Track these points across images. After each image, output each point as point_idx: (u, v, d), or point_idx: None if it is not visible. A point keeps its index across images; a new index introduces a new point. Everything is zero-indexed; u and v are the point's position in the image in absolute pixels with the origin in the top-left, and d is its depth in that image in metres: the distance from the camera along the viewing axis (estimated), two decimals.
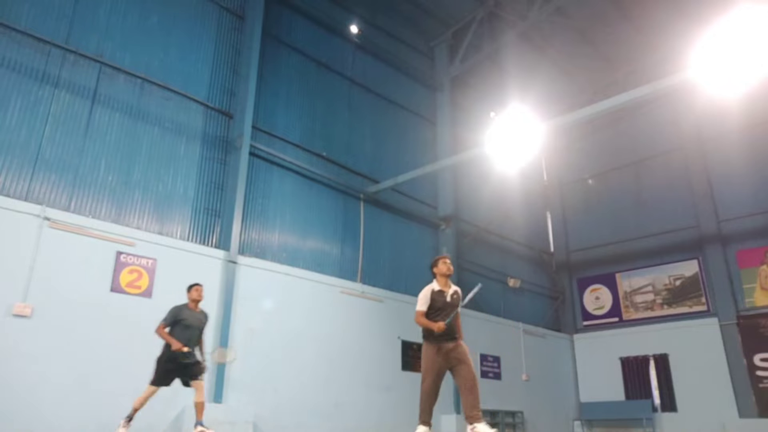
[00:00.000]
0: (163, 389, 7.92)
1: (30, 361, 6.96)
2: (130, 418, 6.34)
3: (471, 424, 5.31)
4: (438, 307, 5.58)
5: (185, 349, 6.36)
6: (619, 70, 16.55)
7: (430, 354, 5.50)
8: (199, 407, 6.49)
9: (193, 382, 6.50)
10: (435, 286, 5.70)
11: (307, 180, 11.31)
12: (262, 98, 10.89)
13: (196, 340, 6.69)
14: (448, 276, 5.73)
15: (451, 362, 5.44)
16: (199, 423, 6.42)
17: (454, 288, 5.75)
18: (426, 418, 5.51)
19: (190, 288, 6.88)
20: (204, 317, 6.87)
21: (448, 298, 5.62)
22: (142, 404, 6.35)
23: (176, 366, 6.42)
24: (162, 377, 6.43)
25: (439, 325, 5.33)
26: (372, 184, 12.45)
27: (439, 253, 13.81)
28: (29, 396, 6.84)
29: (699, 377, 14.31)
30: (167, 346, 6.43)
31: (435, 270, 5.78)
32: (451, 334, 5.49)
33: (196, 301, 6.82)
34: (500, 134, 10.75)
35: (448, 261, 5.83)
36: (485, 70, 16.12)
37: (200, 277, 8.79)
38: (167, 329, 6.52)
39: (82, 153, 8.32)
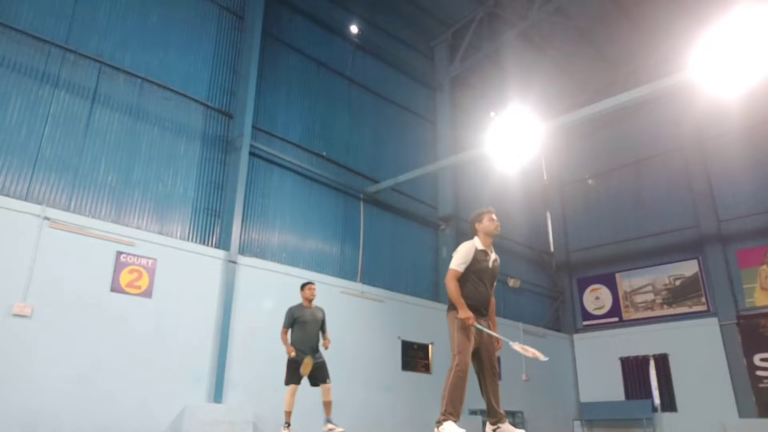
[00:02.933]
0: (163, 389, 7.98)
1: (30, 361, 6.96)
2: (288, 424, 6.90)
3: (495, 425, 4.53)
4: (478, 270, 4.59)
5: (292, 354, 6.91)
6: (619, 70, 16.56)
7: (465, 326, 4.45)
8: (327, 405, 6.96)
9: (321, 385, 6.97)
10: (478, 244, 4.68)
11: (307, 180, 11.31)
12: (262, 98, 10.90)
13: (315, 338, 7.12)
14: (493, 236, 4.73)
15: (479, 342, 4.54)
16: (327, 420, 6.91)
17: (495, 255, 4.78)
18: (457, 411, 4.35)
19: (303, 286, 7.42)
20: (320, 312, 7.35)
21: (490, 264, 4.67)
22: (290, 406, 6.91)
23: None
24: (292, 376, 6.93)
25: (467, 316, 4.36)
26: (372, 184, 12.45)
27: (438, 252, 13.82)
28: (29, 396, 6.84)
29: (699, 377, 14.31)
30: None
31: (478, 226, 4.74)
32: (486, 306, 4.62)
33: (310, 300, 7.33)
34: (500, 134, 10.75)
35: (495, 217, 4.74)
36: (485, 70, 16.13)
37: (200, 277, 8.88)
38: (288, 332, 7.13)
39: (82, 153, 8.32)
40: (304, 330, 7.12)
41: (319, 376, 7.01)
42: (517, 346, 4.51)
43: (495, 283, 4.80)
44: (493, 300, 4.79)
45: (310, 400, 7.49)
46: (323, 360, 7.12)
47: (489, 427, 4.62)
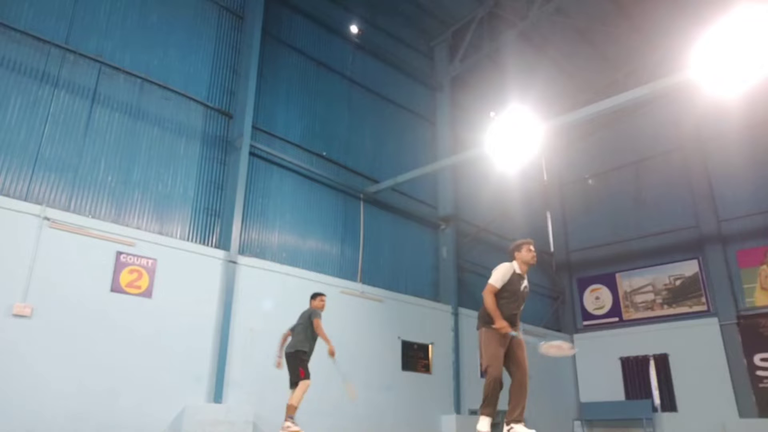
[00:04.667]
0: (163, 389, 7.99)
1: (30, 361, 6.96)
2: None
3: (508, 424, 5.01)
4: (512, 291, 5.17)
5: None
6: (619, 70, 16.54)
7: (495, 338, 5.05)
8: (289, 408, 6.94)
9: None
10: (516, 268, 5.27)
11: (307, 180, 11.31)
12: (262, 98, 10.89)
13: (297, 336, 7.25)
14: (530, 266, 5.32)
15: (509, 351, 5.12)
16: (289, 417, 6.89)
17: (527, 282, 5.38)
18: (492, 410, 5.04)
19: (315, 296, 7.74)
20: (307, 315, 7.45)
21: (521, 288, 5.25)
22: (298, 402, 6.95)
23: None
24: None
25: (502, 326, 4.95)
26: (372, 184, 12.44)
27: (438, 252, 13.82)
28: (29, 396, 6.84)
29: (699, 377, 14.31)
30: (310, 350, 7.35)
31: (517, 255, 5.35)
32: (513, 322, 5.16)
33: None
34: (500, 134, 10.74)
35: (533, 249, 5.35)
36: (485, 70, 16.12)
37: (200, 277, 8.88)
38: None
39: (82, 153, 8.32)
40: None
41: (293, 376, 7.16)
42: (543, 348, 5.08)
43: (523, 306, 5.37)
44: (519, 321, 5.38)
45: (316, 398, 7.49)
46: (293, 358, 7.15)
47: (504, 427, 5.06)
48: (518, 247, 5.38)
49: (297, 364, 7.07)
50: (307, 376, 7.06)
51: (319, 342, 7.30)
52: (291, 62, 11.81)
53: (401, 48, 14.66)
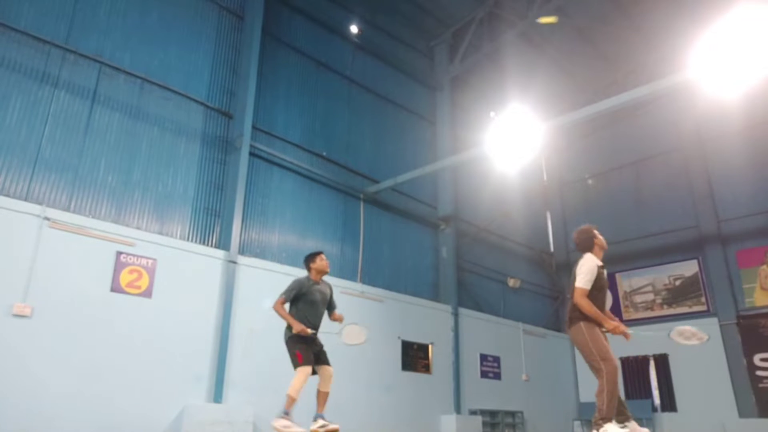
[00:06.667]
0: (163, 389, 7.98)
1: (29, 361, 6.95)
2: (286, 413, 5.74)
3: (622, 423, 4.66)
4: (600, 287, 4.65)
5: (309, 332, 5.67)
6: (619, 70, 16.55)
7: (599, 331, 4.64)
8: (323, 397, 5.82)
9: (320, 368, 5.81)
10: (597, 261, 4.71)
11: (307, 180, 11.31)
12: (262, 98, 10.89)
13: (321, 318, 6.00)
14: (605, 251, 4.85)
15: None
16: (319, 416, 5.77)
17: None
18: (612, 413, 4.50)
19: (314, 257, 6.18)
20: (329, 289, 6.18)
21: (605, 274, 4.79)
22: (299, 392, 5.61)
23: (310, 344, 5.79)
24: (308, 354, 5.73)
25: (615, 325, 4.54)
26: (372, 184, 12.45)
27: (438, 252, 13.82)
28: (29, 396, 6.83)
29: (699, 377, 14.30)
30: (289, 326, 5.76)
31: (596, 242, 4.81)
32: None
33: (322, 273, 6.16)
34: (500, 134, 10.75)
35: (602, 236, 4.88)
36: (485, 70, 16.12)
37: (200, 277, 8.88)
38: (287, 305, 5.83)
39: (82, 153, 8.32)
40: (314, 308, 5.99)
41: (322, 357, 5.97)
42: (675, 336, 4.97)
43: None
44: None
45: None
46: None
47: (615, 426, 4.76)
48: (594, 234, 4.84)
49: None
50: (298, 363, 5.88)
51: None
52: (291, 62, 11.81)
53: (401, 48, 14.66)
